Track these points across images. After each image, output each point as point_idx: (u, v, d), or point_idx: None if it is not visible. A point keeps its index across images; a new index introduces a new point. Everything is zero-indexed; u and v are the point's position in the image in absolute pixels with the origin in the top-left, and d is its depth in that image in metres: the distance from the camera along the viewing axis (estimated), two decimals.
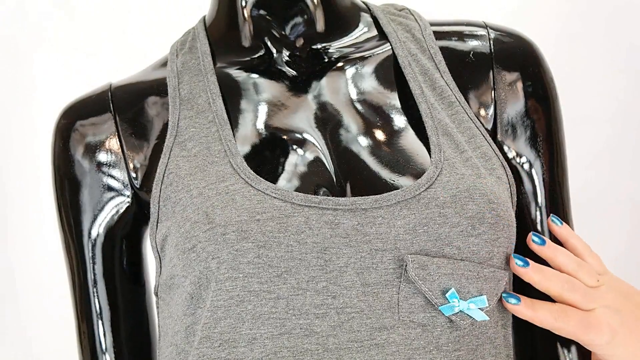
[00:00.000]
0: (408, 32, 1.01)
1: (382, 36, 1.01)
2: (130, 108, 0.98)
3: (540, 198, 0.97)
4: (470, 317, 0.85)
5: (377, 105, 0.95)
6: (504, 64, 0.98)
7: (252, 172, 0.88)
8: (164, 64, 1.02)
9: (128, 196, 0.97)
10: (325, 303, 0.84)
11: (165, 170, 0.91)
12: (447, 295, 0.84)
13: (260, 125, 0.94)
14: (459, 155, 0.90)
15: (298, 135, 0.93)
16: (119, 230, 0.98)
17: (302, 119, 0.94)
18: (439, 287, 0.84)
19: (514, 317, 0.94)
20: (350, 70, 0.98)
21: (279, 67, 0.98)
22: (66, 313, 1.94)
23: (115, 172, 0.97)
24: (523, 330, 0.98)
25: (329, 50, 0.99)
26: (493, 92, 0.97)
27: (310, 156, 0.91)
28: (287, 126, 0.94)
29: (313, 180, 0.89)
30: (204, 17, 1.05)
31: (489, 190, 0.87)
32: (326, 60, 0.98)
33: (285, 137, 0.93)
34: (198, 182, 0.89)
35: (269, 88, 0.97)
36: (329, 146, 0.92)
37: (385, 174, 0.89)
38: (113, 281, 0.99)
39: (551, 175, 0.98)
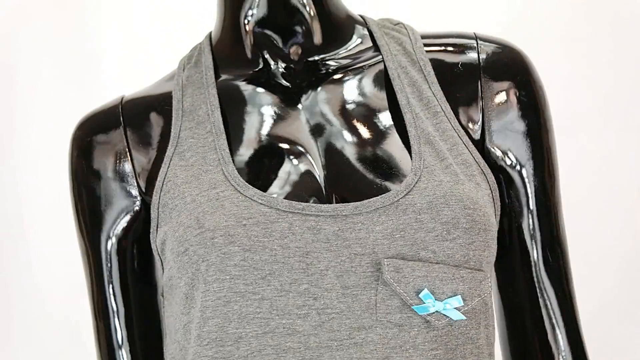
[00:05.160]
0: (399, 45, 1.05)
1: (376, 49, 1.06)
2: (138, 120, 1.04)
3: (531, 203, 1.01)
4: (447, 316, 0.89)
5: (365, 115, 1.00)
6: (492, 74, 1.02)
7: (242, 179, 0.94)
8: (171, 77, 1.08)
9: (138, 203, 1.03)
10: (307, 304, 0.89)
11: (164, 178, 0.98)
12: (420, 295, 0.89)
13: (255, 135, 0.99)
14: (439, 162, 0.94)
15: (290, 145, 0.98)
16: (130, 235, 1.04)
17: (295, 129, 0.99)
18: (413, 288, 0.89)
19: (506, 309, 1.00)
20: (343, 82, 1.02)
21: (276, 80, 1.03)
22: (70, 314, 1.95)
23: (126, 180, 1.03)
24: (516, 323, 1.02)
25: (325, 62, 1.04)
26: (481, 101, 1.01)
27: (301, 165, 0.96)
28: (280, 136, 0.99)
29: (302, 188, 0.94)
30: (210, 32, 1.10)
31: (466, 196, 0.92)
32: (323, 71, 1.03)
33: (277, 146, 0.98)
34: (192, 190, 0.95)
35: (265, 99, 1.02)
36: (319, 155, 0.97)
37: (369, 181, 0.94)
38: (126, 282, 1.05)
39: (541, 180, 1.01)
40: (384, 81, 1.02)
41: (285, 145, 0.98)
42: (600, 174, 1.89)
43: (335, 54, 1.04)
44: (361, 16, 1.10)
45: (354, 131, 0.99)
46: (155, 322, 1.06)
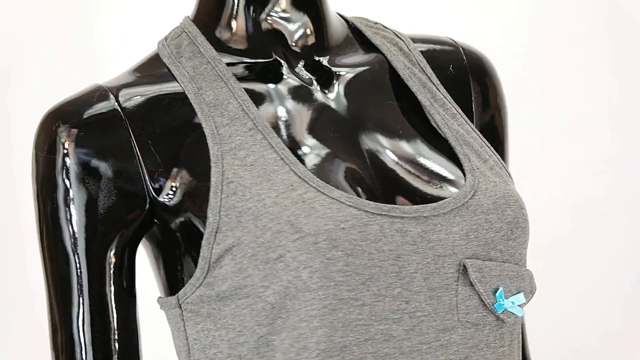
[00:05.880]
0: (394, 45, 1.05)
1: (370, 49, 1.04)
2: (144, 115, 0.94)
3: None
4: (513, 313, 0.92)
5: (395, 115, 1.00)
6: (475, 77, 1.07)
7: (321, 180, 0.89)
8: (150, 69, 0.98)
9: (142, 206, 0.93)
10: (400, 308, 0.88)
11: (222, 179, 0.89)
12: (497, 294, 0.91)
13: (299, 131, 0.95)
14: (483, 163, 0.97)
15: (339, 143, 0.95)
16: (127, 241, 0.94)
17: (334, 126, 0.96)
18: (490, 287, 0.91)
19: None
20: (358, 82, 1.00)
21: (294, 77, 0.99)
22: None
23: (130, 181, 0.92)
24: None
25: (331, 62, 1.01)
26: (472, 103, 1.06)
27: (353, 164, 0.94)
28: (325, 133, 0.95)
29: (371, 188, 0.92)
30: (188, 18, 1.02)
31: (517, 196, 0.95)
32: (332, 71, 1.00)
33: (329, 144, 0.95)
34: (268, 192, 0.88)
35: (293, 96, 0.97)
36: (363, 155, 0.95)
37: (424, 182, 0.94)
38: (112, 294, 0.94)
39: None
40: (397, 81, 1.02)
41: (335, 144, 0.95)
42: (601, 172, 1.89)
43: (337, 54, 1.01)
44: (338, 14, 1.07)
45: (391, 131, 0.98)
46: (135, 338, 0.96)
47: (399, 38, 1.06)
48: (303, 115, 0.96)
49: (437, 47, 1.08)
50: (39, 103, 1.92)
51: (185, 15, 1.03)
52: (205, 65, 0.97)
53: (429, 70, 1.03)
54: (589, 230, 1.99)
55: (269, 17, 0.99)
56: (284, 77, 0.98)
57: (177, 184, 0.92)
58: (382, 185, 0.93)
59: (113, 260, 0.94)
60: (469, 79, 1.06)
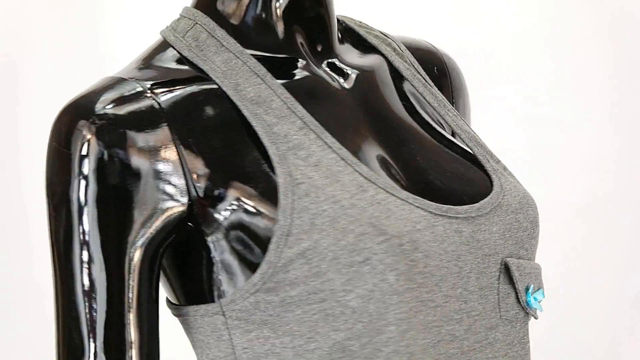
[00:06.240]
0: (387, 45, 1.04)
1: (366, 49, 1.03)
2: (183, 111, 0.88)
3: None
4: (537, 309, 0.95)
5: (412, 116, 1.00)
6: (452, 79, 1.10)
7: (389, 181, 0.88)
8: (177, 61, 0.93)
9: (182, 208, 0.87)
10: (461, 308, 0.89)
11: (290, 179, 0.85)
12: (528, 292, 0.93)
13: (344, 129, 0.92)
14: (497, 164, 0.98)
15: (377, 144, 0.94)
16: (161, 245, 0.88)
17: (367, 127, 0.95)
18: (523, 285, 0.93)
19: None
20: (371, 82, 0.99)
21: (321, 75, 0.96)
22: None
23: (171, 182, 0.86)
24: None
25: (341, 61, 0.99)
26: (453, 105, 1.09)
27: (399, 165, 0.93)
28: (364, 134, 0.94)
29: (418, 189, 0.91)
30: (193, 8, 0.96)
31: (532, 196, 0.98)
32: (345, 71, 0.98)
33: (369, 145, 0.93)
34: (342, 193, 0.85)
35: (325, 95, 0.95)
36: (403, 157, 0.94)
37: (460, 182, 0.95)
38: (146, 303, 0.88)
39: None
40: (397, 82, 1.02)
41: (375, 144, 0.93)
42: (603, 171, 1.89)
43: (343, 53, 0.99)
44: None
45: (415, 131, 0.98)
46: (157, 349, 0.90)
47: (390, 39, 1.05)
48: (340, 114, 0.94)
49: (421, 48, 1.09)
50: (42, 101, 1.92)
51: (184, 5, 0.97)
52: (235, 60, 0.92)
53: (422, 72, 1.04)
54: (592, 230, 1.99)
55: (288, 10, 0.94)
56: (311, 74, 0.95)
57: (228, 186, 0.87)
58: (427, 186, 0.92)
59: (147, 264, 0.87)
60: (449, 82, 1.09)
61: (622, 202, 1.98)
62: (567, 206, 1.98)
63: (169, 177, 0.86)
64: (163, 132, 0.87)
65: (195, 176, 0.87)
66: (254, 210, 0.86)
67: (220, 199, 0.86)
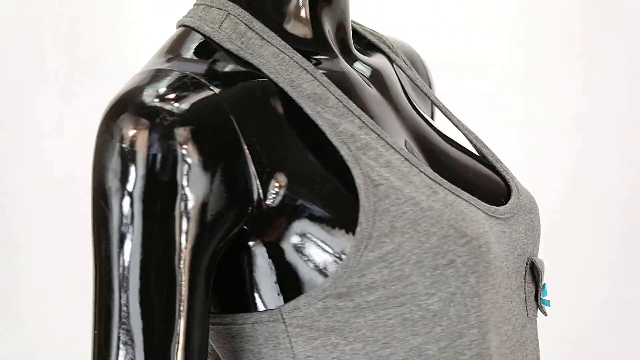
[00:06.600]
0: (383, 43, 1.03)
1: (367, 47, 1.02)
2: (245, 108, 0.83)
3: None
4: (547, 306, 0.97)
5: (429, 115, 1.02)
6: (430, 77, 1.13)
7: (450, 182, 0.87)
8: (219, 55, 0.86)
9: (247, 212, 0.82)
10: (510, 308, 0.90)
11: (368, 181, 0.81)
12: (544, 290, 0.96)
13: (392, 127, 0.91)
14: (500, 164, 1.00)
15: (413, 144, 0.93)
16: (218, 251, 0.82)
17: (403, 127, 0.94)
18: (542, 283, 0.95)
19: None
20: (387, 82, 0.98)
21: (357, 74, 0.93)
22: (71, 311, 1.94)
23: (240, 182, 0.81)
24: None
25: (360, 61, 0.97)
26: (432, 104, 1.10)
27: (444, 166, 0.92)
28: (404, 135, 0.92)
29: (465, 189, 0.89)
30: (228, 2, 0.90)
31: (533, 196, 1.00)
32: (365, 70, 0.96)
33: (413, 146, 0.92)
34: (418, 194, 0.82)
35: (366, 94, 0.92)
36: (440, 158, 0.94)
37: (487, 183, 0.95)
38: (206, 310, 0.82)
39: None
40: (404, 81, 1.02)
41: (411, 142, 0.93)
42: (586, 168, 1.90)
43: (359, 56, 0.98)
44: None
45: (436, 131, 0.98)
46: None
47: (384, 39, 1.05)
48: (379, 113, 0.91)
49: (405, 47, 1.10)
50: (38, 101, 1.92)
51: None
52: (282, 55, 0.87)
53: (415, 73, 1.04)
54: (587, 230, 2.00)
55: (318, 6, 0.91)
56: (347, 72, 0.92)
57: (297, 187, 0.82)
58: (468, 187, 0.90)
59: (207, 273, 0.81)
60: (428, 79, 1.11)
61: (616, 201, 1.99)
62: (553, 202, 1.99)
63: (237, 180, 0.81)
64: (230, 129, 0.81)
65: (260, 179, 0.81)
66: (327, 213, 0.81)
67: (287, 200, 0.82)
